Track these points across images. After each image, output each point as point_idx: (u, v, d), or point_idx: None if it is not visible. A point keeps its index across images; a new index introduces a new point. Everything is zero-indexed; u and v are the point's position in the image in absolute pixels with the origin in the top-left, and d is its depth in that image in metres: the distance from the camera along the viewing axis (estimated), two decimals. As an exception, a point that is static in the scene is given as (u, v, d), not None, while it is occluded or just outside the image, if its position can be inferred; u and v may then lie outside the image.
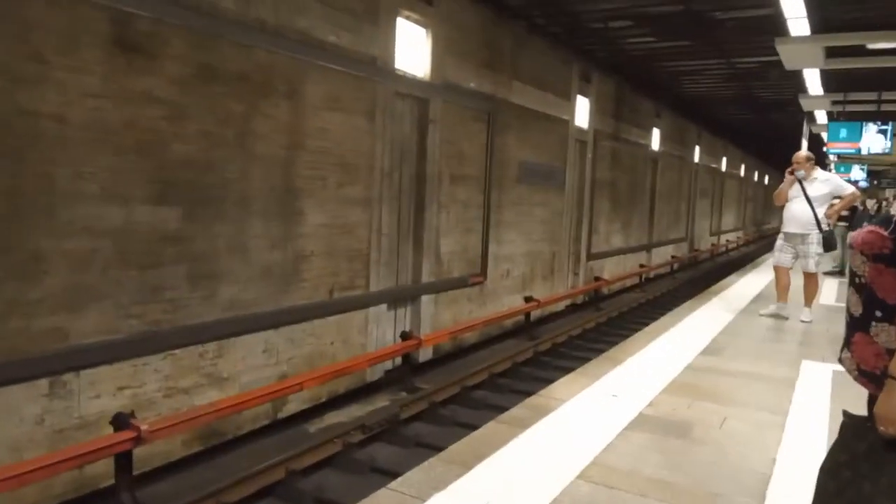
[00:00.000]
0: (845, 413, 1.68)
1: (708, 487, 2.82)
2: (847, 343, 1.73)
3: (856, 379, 1.71)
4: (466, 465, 2.90)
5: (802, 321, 6.64)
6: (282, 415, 5.93)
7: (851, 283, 1.71)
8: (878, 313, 1.63)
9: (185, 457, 5.03)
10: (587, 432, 3.37)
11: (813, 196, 6.41)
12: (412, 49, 7.39)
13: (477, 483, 2.75)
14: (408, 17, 7.25)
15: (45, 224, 4.03)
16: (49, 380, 4.11)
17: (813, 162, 6.67)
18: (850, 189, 6.75)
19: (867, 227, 1.65)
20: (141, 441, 4.21)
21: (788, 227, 6.64)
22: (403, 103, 7.38)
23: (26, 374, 3.97)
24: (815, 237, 6.43)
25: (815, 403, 4.02)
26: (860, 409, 1.71)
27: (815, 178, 6.52)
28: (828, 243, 6.47)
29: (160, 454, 4.81)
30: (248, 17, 5.23)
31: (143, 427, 4.20)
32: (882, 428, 1.55)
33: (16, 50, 3.80)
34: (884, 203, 23.46)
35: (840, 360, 1.77)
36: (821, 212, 6.41)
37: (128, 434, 4.17)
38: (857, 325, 1.69)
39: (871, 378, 1.64)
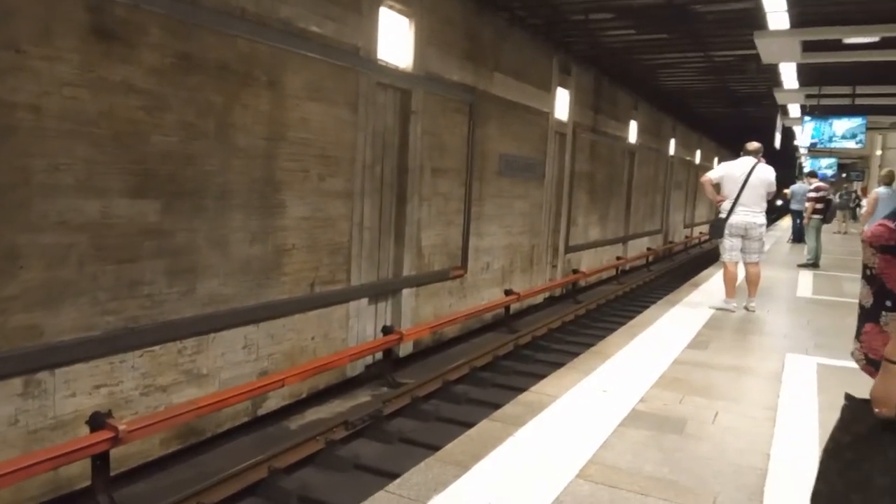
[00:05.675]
0: (847, 396, 1.70)
1: (708, 485, 2.80)
2: (858, 333, 1.76)
3: (863, 368, 1.74)
4: (464, 466, 2.84)
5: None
6: (262, 411, 5.84)
7: (863, 276, 1.76)
8: (888, 303, 1.67)
9: (163, 456, 4.92)
10: (582, 429, 3.33)
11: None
12: (395, 39, 7.27)
13: (476, 484, 2.69)
14: (391, 7, 7.12)
15: (21, 218, 3.87)
16: (23, 378, 3.97)
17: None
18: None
19: (878, 221, 1.71)
20: (118, 441, 4.11)
21: None
22: (385, 94, 7.27)
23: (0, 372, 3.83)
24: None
25: (803, 397, 4.05)
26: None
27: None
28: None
29: (137, 454, 4.69)
30: (228, 4, 5.08)
31: (121, 427, 4.09)
32: (877, 409, 1.57)
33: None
34: (853, 195, 23.98)
35: (852, 353, 1.80)
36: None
37: (105, 434, 4.06)
38: (867, 316, 1.73)
39: (877, 367, 1.65)
